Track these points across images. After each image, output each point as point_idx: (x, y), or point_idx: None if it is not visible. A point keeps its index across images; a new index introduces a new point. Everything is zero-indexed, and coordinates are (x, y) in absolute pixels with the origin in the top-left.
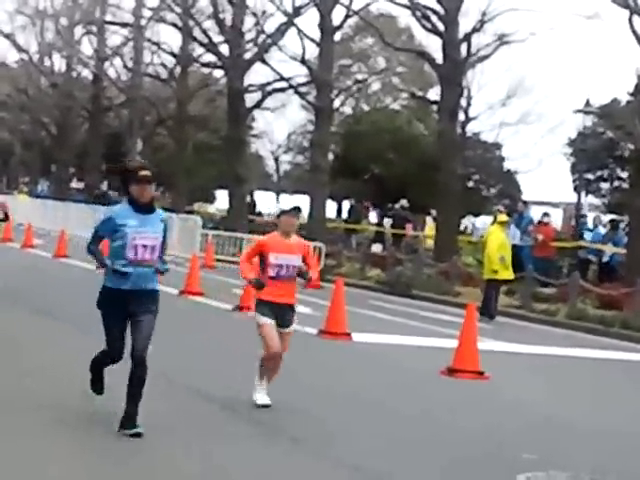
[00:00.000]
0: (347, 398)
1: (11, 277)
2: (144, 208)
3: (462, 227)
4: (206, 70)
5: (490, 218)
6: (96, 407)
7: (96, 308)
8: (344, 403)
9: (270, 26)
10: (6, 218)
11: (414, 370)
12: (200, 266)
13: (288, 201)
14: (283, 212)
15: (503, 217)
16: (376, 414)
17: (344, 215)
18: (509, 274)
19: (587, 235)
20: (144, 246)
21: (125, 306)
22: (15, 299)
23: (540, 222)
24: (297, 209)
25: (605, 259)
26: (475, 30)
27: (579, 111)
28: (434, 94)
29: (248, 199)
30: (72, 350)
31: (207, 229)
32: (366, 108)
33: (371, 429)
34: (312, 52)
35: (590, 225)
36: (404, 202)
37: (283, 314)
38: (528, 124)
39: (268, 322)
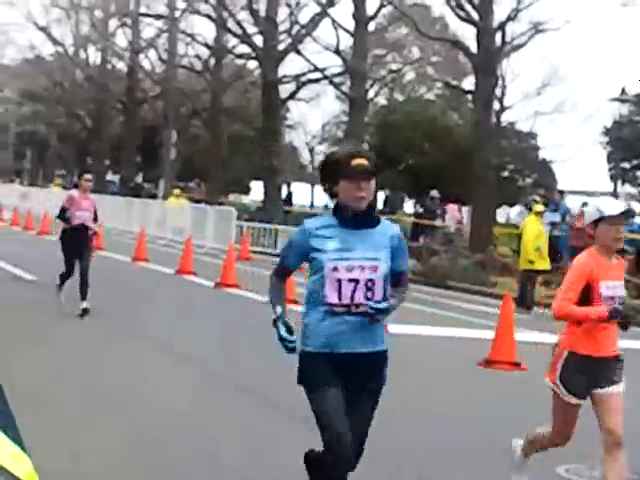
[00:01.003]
0: (383, 391)
1: (49, 270)
2: (358, 220)
3: (502, 217)
4: (240, 61)
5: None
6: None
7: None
8: (381, 397)
9: (304, 17)
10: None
11: (451, 361)
12: (235, 258)
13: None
14: (604, 218)
15: (539, 207)
16: (412, 407)
17: (379, 205)
18: (545, 264)
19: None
20: (353, 281)
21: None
22: (52, 291)
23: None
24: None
25: None
26: (510, 19)
27: (615, 99)
28: (469, 83)
29: (285, 190)
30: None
31: (242, 220)
32: (400, 98)
33: (407, 423)
34: (346, 42)
35: None
36: (434, 192)
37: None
38: (563, 113)
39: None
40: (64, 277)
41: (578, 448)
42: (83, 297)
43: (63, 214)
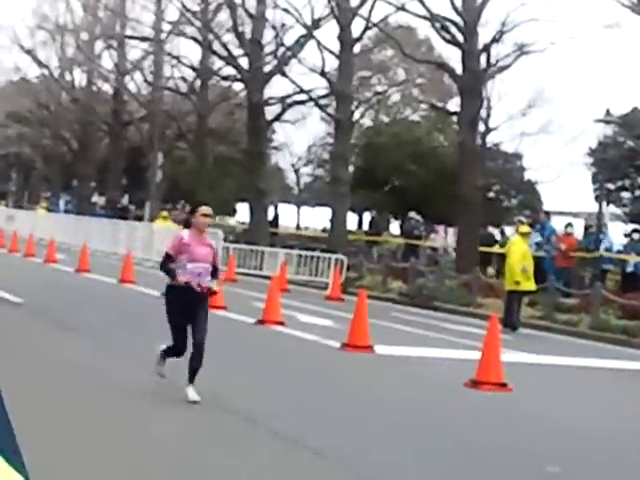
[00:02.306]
0: (370, 411)
1: (36, 292)
2: None
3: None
4: (226, 83)
5: (510, 229)
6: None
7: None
8: (367, 416)
9: (289, 39)
10: None
11: (438, 382)
12: (222, 280)
13: (309, 213)
14: None
15: (525, 228)
16: (400, 427)
17: (365, 227)
18: (531, 285)
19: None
20: None
21: None
22: (40, 314)
23: (567, 233)
24: None
25: (630, 269)
26: (494, 40)
27: (599, 121)
28: (454, 105)
29: (272, 212)
30: (86, 365)
31: (228, 242)
32: (386, 120)
33: (394, 442)
34: (332, 64)
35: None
36: (413, 214)
37: None
38: (548, 134)
39: None
40: (171, 353)
41: (565, 469)
42: (191, 378)
43: (167, 263)
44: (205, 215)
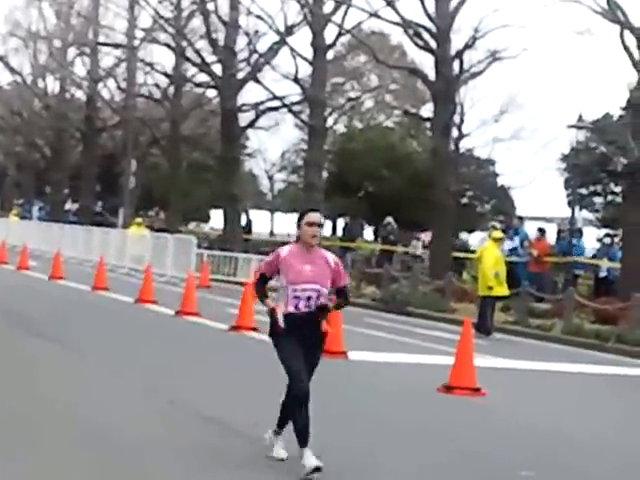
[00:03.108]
0: (343, 417)
1: (8, 299)
2: None
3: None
4: (199, 90)
5: (483, 234)
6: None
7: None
8: (341, 422)
9: (263, 45)
10: None
11: (411, 387)
12: (195, 286)
13: (283, 220)
14: None
15: (498, 234)
16: (373, 432)
17: (339, 233)
18: (504, 290)
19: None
20: None
21: None
22: (12, 321)
23: (539, 238)
24: None
25: (602, 274)
26: (467, 47)
27: (572, 126)
28: (427, 111)
29: (244, 218)
30: (58, 371)
31: (202, 249)
32: (359, 126)
33: (368, 447)
34: (305, 71)
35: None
36: (389, 219)
37: None
38: (521, 140)
39: None
40: (293, 403)
41: (538, 474)
42: (303, 441)
43: (261, 286)
44: (312, 224)
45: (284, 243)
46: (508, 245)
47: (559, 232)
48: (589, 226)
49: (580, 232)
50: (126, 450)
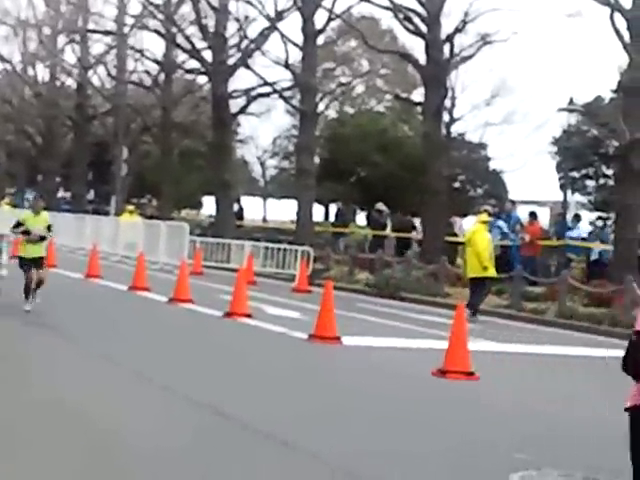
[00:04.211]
0: (338, 402)
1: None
2: None
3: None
4: (190, 76)
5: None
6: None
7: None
8: (335, 407)
9: (253, 31)
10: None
11: (405, 372)
12: (188, 273)
13: (275, 206)
14: None
15: (484, 217)
16: (368, 417)
17: (331, 218)
18: (494, 272)
19: (568, 233)
20: None
21: None
22: (5, 309)
23: (531, 222)
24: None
25: (594, 257)
26: (457, 30)
27: (563, 109)
28: (418, 95)
29: (236, 205)
30: (51, 358)
31: (195, 236)
32: (350, 111)
33: (363, 432)
34: (295, 56)
35: (570, 223)
36: (380, 205)
37: None
38: (512, 124)
39: None
40: None
41: (533, 456)
42: None
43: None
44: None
45: (277, 229)
46: (498, 230)
47: (558, 215)
48: (581, 209)
49: (578, 217)
50: (119, 437)
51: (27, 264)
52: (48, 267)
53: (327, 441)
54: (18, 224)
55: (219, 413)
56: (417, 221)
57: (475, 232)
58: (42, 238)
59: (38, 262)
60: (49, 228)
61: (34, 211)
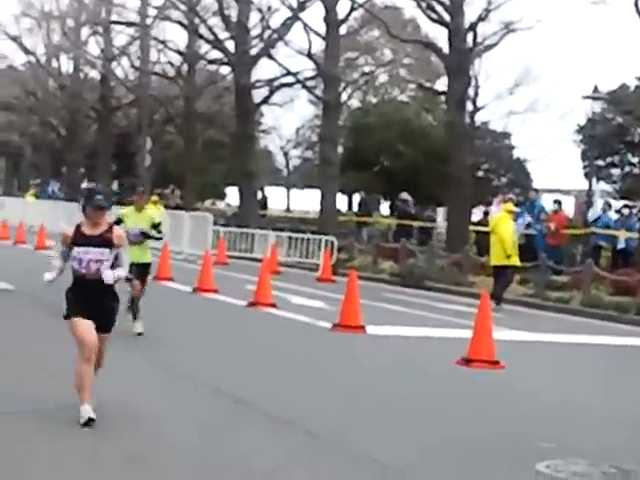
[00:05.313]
0: (363, 391)
1: (27, 279)
2: None
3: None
4: (213, 67)
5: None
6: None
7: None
8: (359, 395)
9: (275, 21)
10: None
11: (429, 361)
12: (212, 263)
13: (299, 196)
14: None
15: (510, 206)
16: (392, 405)
17: (355, 208)
18: (517, 261)
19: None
20: None
21: None
22: (32, 300)
23: (556, 210)
24: None
25: (621, 245)
26: (481, 19)
27: (587, 97)
28: (442, 85)
29: (259, 195)
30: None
31: (218, 226)
32: (374, 100)
33: (387, 422)
34: (318, 46)
35: (599, 211)
36: (404, 195)
37: None
38: (537, 112)
39: None
40: None
41: (558, 445)
42: None
43: None
44: None
45: (300, 219)
46: (522, 222)
47: (583, 204)
48: (606, 197)
49: (609, 205)
50: (144, 425)
51: (133, 271)
52: (161, 279)
53: (351, 429)
54: (117, 221)
55: (242, 401)
56: (440, 211)
57: (500, 220)
58: (146, 236)
59: (142, 270)
60: (156, 228)
61: (136, 207)
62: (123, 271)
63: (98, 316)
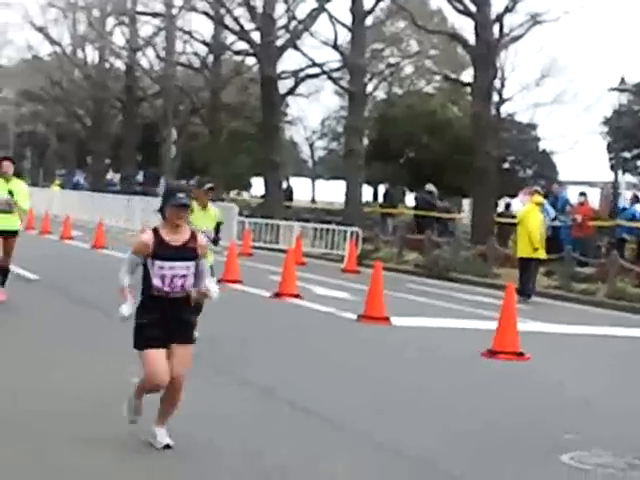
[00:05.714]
0: (388, 382)
1: (52, 268)
2: None
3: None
4: (238, 58)
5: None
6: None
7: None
8: (385, 387)
9: (301, 12)
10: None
11: (454, 353)
12: (237, 254)
13: (324, 187)
14: None
15: (539, 198)
16: (417, 398)
17: (380, 199)
18: (544, 254)
19: (621, 213)
20: None
21: None
22: (57, 290)
23: (581, 202)
24: None
25: None
26: (507, 10)
27: (614, 89)
28: (467, 76)
29: (284, 186)
30: (100, 338)
31: (243, 217)
32: (399, 92)
33: (412, 413)
34: (344, 37)
35: (627, 203)
36: (429, 186)
37: None
38: (563, 104)
39: None
40: None
41: (582, 437)
42: None
43: None
44: None
45: (325, 210)
46: (550, 211)
47: (610, 195)
48: (632, 190)
49: (637, 198)
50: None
51: None
52: (227, 282)
53: (376, 421)
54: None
55: (268, 393)
56: (466, 202)
57: (528, 212)
58: (214, 242)
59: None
60: (217, 227)
61: (200, 204)
62: (214, 283)
63: (176, 333)
